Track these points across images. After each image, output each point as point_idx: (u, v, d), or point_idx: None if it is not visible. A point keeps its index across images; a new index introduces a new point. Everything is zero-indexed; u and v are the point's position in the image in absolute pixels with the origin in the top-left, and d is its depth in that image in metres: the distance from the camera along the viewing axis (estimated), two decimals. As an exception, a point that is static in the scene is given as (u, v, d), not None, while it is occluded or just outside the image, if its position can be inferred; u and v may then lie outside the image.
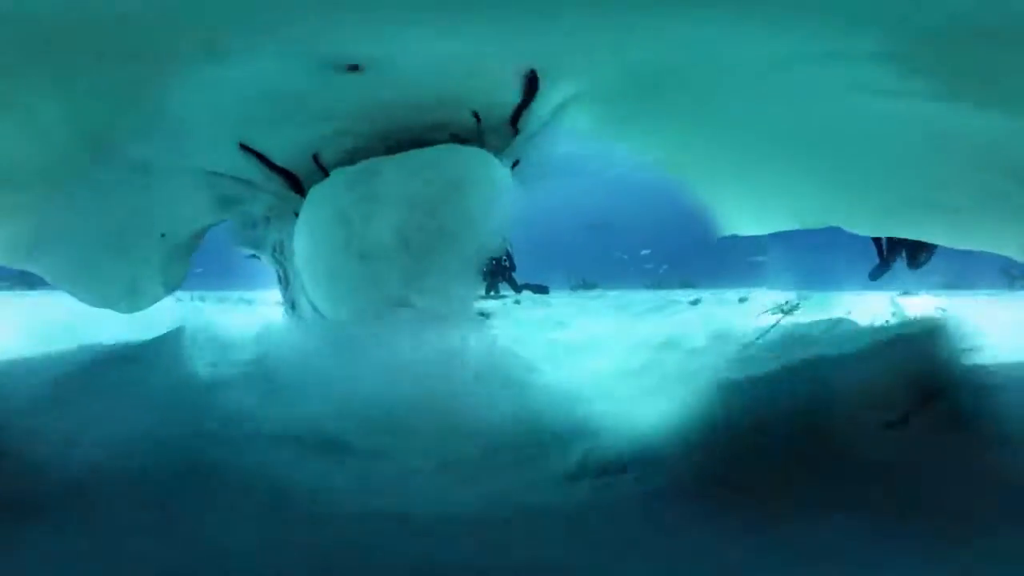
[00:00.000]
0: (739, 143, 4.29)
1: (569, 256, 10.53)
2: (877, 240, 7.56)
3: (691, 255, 10.59)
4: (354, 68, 3.56)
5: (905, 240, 7.65)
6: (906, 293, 8.00)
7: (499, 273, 10.12)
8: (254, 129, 4.03)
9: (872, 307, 6.85)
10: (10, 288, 9.25)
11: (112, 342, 3.91)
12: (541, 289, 10.06)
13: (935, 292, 8.05)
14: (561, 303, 8.08)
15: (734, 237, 9.71)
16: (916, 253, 7.66)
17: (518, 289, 10.04)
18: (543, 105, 4.20)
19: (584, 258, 10.92)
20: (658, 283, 10.75)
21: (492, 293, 10.20)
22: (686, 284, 10.41)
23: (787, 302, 6.68)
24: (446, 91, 3.85)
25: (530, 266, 10.17)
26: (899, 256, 7.82)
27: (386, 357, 3.69)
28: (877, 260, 7.62)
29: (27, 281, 9.02)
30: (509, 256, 10.13)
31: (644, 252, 11.03)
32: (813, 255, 9.65)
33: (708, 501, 2.53)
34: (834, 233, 8.86)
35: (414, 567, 2.18)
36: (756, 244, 10.65)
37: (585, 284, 11.03)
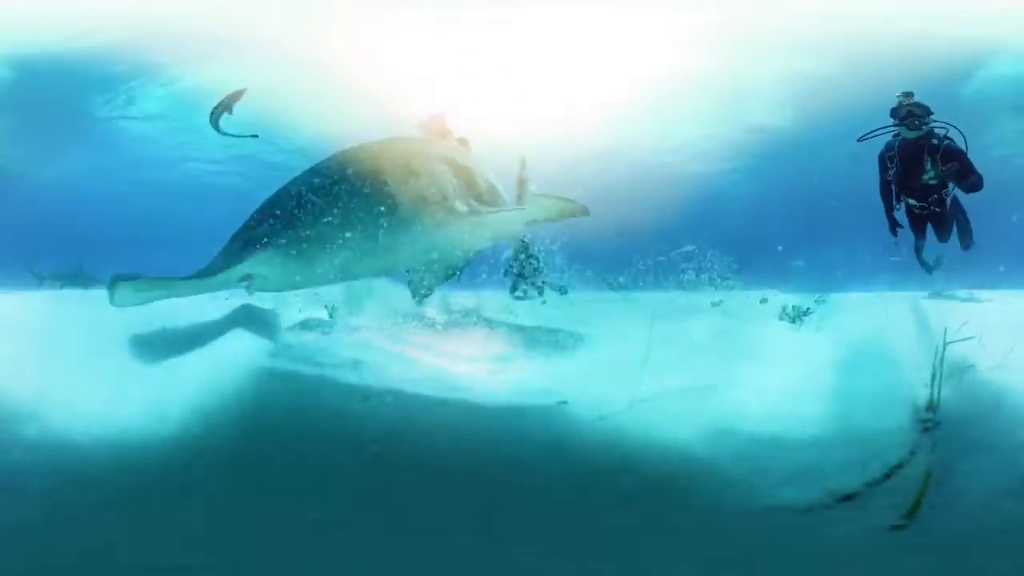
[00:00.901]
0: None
1: (607, 258, 10.66)
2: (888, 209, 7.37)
3: (730, 257, 10.48)
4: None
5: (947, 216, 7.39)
6: (935, 295, 7.90)
7: (525, 276, 10.38)
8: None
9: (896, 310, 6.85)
10: (62, 287, 9.58)
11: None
12: (560, 290, 10.36)
13: (962, 292, 7.90)
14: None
15: (772, 241, 9.68)
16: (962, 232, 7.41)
17: (541, 291, 10.33)
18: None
19: (622, 260, 11.01)
20: (692, 285, 10.67)
21: (519, 294, 10.44)
22: (720, 286, 10.33)
23: (794, 307, 6.68)
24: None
25: (567, 266, 10.34)
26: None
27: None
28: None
29: (82, 280, 9.50)
30: (536, 259, 10.41)
31: (688, 248, 10.91)
32: (844, 254, 9.60)
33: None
34: (864, 234, 8.83)
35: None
36: (794, 245, 10.59)
37: (622, 285, 11.11)
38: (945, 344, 3.93)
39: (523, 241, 10.05)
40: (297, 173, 5.32)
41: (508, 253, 10.10)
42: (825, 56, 9.65)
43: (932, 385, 3.64)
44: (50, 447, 3.35)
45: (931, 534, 2.71)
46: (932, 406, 3.57)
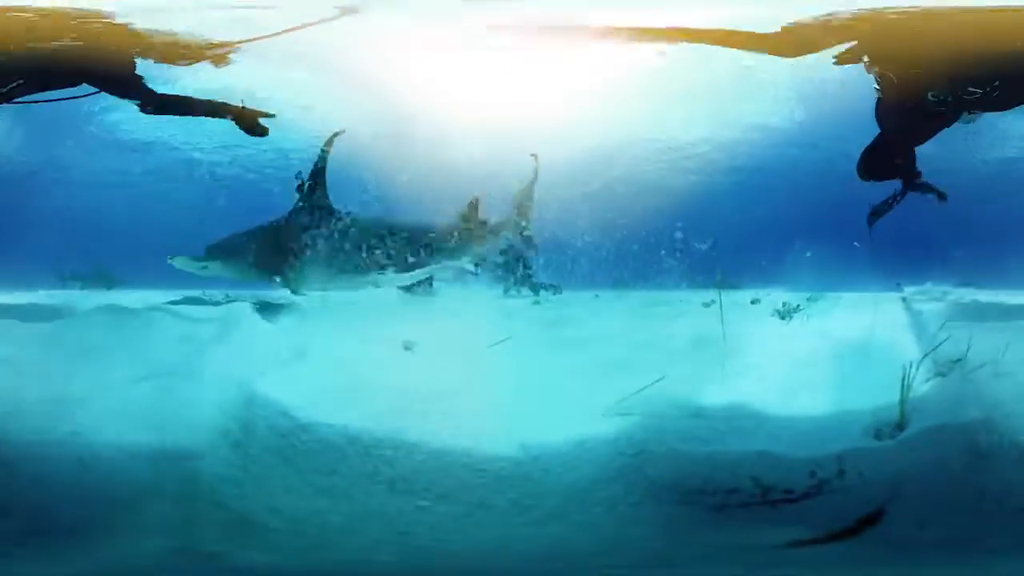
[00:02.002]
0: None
1: (604, 255, 10.73)
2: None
3: (743, 254, 10.30)
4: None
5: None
6: (932, 296, 7.95)
7: (515, 273, 10.12)
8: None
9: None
10: (84, 287, 9.66)
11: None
12: (555, 288, 10.14)
13: (951, 290, 7.97)
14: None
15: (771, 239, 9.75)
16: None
17: (536, 290, 10.12)
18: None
19: (620, 258, 11.05)
20: (689, 284, 10.36)
21: (512, 293, 10.14)
22: (732, 285, 9.99)
23: (784, 304, 6.88)
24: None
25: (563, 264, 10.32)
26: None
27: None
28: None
29: (105, 281, 9.72)
30: (525, 259, 10.20)
31: (703, 246, 10.69)
32: (843, 253, 9.63)
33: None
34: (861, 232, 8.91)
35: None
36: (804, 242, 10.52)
37: (619, 284, 11.00)
38: (916, 361, 4.03)
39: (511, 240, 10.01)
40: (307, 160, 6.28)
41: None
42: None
43: (901, 390, 3.77)
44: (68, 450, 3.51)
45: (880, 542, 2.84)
46: (898, 420, 3.71)
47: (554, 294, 9.99)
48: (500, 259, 10.22)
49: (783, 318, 7.04)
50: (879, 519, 2.87)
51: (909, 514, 2.93)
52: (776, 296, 7.55)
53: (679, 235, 9.13)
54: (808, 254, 10.12)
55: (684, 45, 8.86)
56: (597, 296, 8.88)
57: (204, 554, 2.80)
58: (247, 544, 2.94)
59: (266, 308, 6.19)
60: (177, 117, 10.16)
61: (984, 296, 7.55)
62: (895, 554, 2.75)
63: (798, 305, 7.19)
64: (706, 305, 7.51)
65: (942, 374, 4.21)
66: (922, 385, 3.99)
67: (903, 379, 3.80)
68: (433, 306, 6.67)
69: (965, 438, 3.32)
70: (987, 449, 3.27)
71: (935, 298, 7.85)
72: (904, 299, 7.53)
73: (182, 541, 2.91)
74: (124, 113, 10.47)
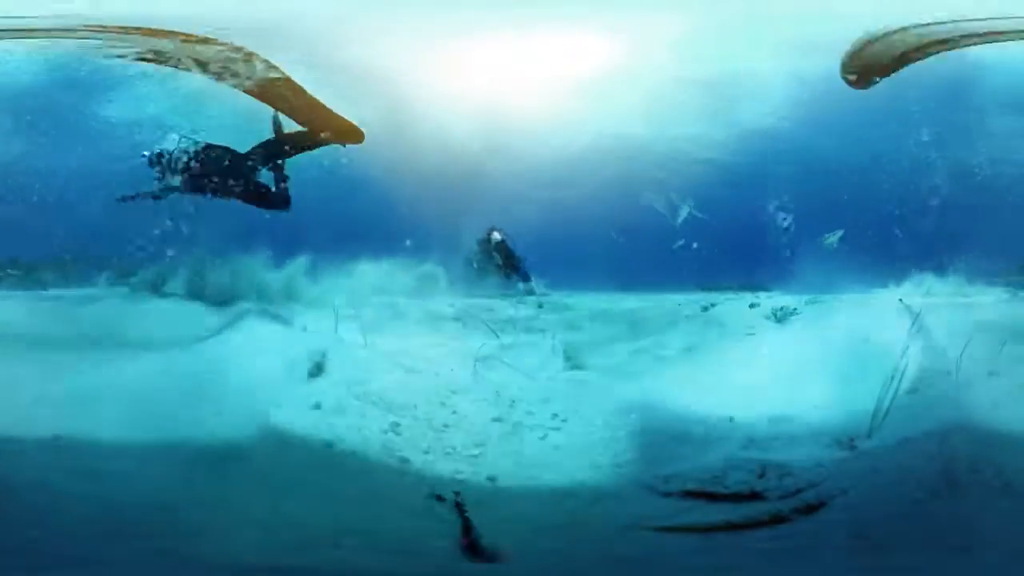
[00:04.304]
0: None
1: (602, 258, 10.69)
2: None
3: (758, 255, 9.97)
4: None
5: None
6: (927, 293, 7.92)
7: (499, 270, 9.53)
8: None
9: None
10: None
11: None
12: (546, 291, 9.72)
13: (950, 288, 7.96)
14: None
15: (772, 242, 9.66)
16: None
17: (528, 290, 9.44)
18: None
19: (619, 260, 10.98)
20: (712, 285, 9.98)
21: (522, 293, 9.50)
22: (747, 287, 9.77)
23: (782, 308, 6.88)
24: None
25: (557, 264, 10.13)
26: None
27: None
28: None
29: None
30: (514, 258, 9.64)
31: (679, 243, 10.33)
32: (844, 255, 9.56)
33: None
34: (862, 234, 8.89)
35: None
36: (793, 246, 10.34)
37: (617, 286, 10.71)
38: (898, 376, 4.05)
39: (492, 235, 9.46)
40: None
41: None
42: (823, 56, 9.71)
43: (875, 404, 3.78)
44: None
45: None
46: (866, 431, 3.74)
47: (547, 294, 9.51)
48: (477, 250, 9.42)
49: (779, 321, 7.03)
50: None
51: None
52: (776, 299, 7.53)
53: (679, 238, 9.09)
54: (816, 253, 10.05)
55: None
56: (593, 300, 8.83)
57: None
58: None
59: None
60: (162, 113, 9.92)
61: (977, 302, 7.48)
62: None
63: (795, 308, 7.17)
64: (705, 309, 7.55)
65: (920, 387, 4.25)
66: (899, 398, 4.01)
67: (880, 393, 3.86)
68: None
69: (924, 458, 3.35)
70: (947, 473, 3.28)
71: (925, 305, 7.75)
72: (895, 305, 7.43)
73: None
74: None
